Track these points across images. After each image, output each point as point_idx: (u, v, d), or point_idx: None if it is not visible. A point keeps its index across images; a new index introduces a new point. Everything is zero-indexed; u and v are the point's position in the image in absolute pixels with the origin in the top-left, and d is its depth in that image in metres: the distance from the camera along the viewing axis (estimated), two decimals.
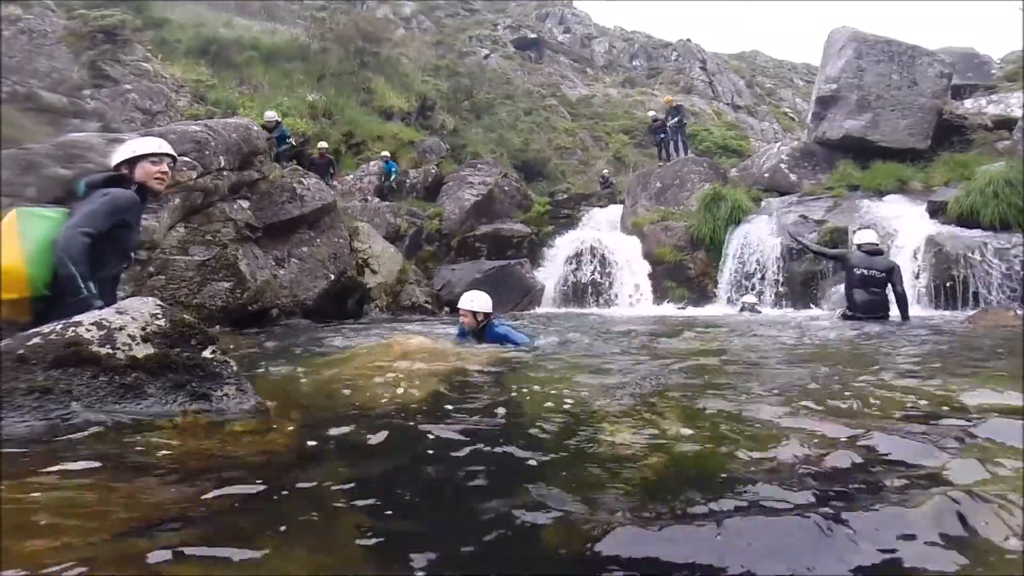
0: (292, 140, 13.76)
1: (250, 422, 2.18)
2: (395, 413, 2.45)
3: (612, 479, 1.63)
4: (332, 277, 8.91)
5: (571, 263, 12.77)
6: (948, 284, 8.99)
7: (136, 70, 15.12)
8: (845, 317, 6.81)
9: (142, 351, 2.19)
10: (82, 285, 2.56)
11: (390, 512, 1.44)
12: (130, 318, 2.25)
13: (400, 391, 2.93)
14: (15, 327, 2.50)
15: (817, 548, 1.21)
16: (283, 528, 1.30)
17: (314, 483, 1.68)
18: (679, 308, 11.28)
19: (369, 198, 15.52)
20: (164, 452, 1.80)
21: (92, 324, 2.17)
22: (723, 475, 1.62)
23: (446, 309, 11.79)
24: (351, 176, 16.79)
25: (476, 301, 5.04)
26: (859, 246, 6.97)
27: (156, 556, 1.14)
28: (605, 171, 22.01)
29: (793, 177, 13.55)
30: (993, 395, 2.46)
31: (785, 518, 1.32)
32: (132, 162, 2.98)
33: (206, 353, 2.38)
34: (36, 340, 2.10)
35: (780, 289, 10.69)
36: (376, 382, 3.16)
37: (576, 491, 1.54)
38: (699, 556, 1.20)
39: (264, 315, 7.68)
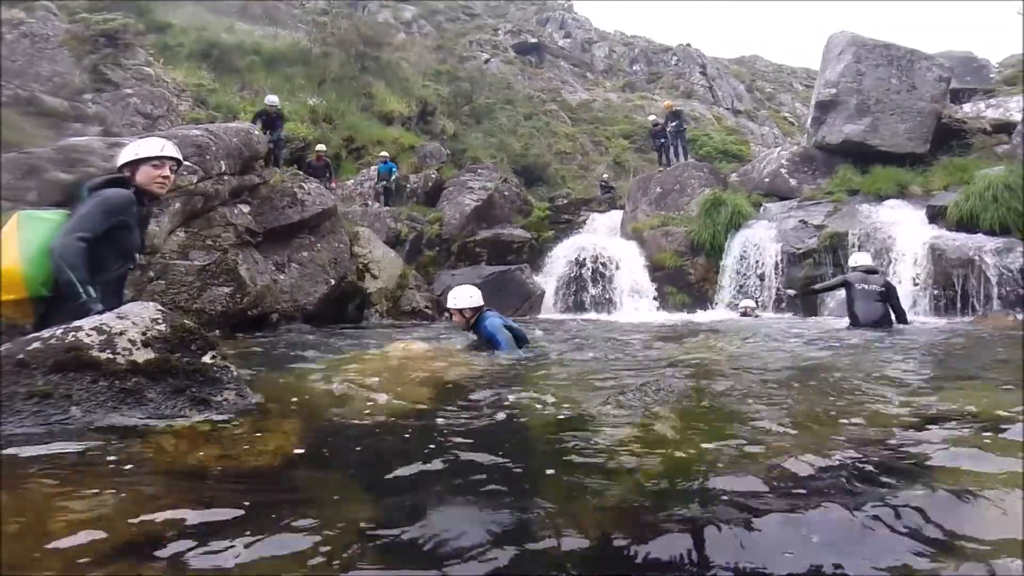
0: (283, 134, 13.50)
1: (250, 427, 2.18)
2: (394, 418, 2.45)
3: (608, 483, 1.63)
4: (332, 282, 8.91)
5: (571, 269, 12.76)
6: (947, 289, 8.98)
7: (138, 74, 15.16)
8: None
9: (142, 356, 2.19)
10: (81, 290, 2.56)
11: (389, 515, 1.44)
12: (130, 323, 2.26)
13: (399, 396, 2.93)
14: (17, 329, 2.50)
15: (812, 553, 1.21)
16: (282, 532, 1.30)
17: (313, 488, 1.68)
18: (679, 313, 11.26)
19: (370, 203, 15.52)
20: (164, 457, 1.80)
21: (92, 329, 2.17)
22: (719, 479, 1.62)
23: (446, 314, 11.77)
24: (351, 181, 16.80)
25: (457, 298, 4.91)
26: (855, 268, 7.19)
27: (155, 561, 1.15)
28: (605, 176, 22.02)
29: (793, 182, 13.56)
30: (988, 401, 2.46)
31: (779, 523, 1.32)
32: (134, 164, 2.98)
33: (206, 358, 2.39)
34: (36, 344, 2.10)
35: (781, 294, 10.69)
36: (375, 387, 3.16)
37: (572, 494, 1.54)
38: (692, 559, 1.20)
39: (264, 320, 7.68)
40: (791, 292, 9.23)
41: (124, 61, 15.15)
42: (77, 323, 2.21)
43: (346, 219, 11.19)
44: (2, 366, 2.02)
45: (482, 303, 4.94)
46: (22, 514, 1.33)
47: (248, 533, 1.29)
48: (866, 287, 6.83)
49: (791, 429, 2.12)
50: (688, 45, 42.22)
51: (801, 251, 10.71)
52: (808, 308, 10.09)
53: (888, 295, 6.85)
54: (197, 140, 7.46)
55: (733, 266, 11.37)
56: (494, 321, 4.82)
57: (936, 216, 10.33)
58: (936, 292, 9.10)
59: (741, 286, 11.04)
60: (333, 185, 14.05)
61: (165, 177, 3.04)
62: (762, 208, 12.63)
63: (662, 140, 16.59)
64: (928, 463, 1.71)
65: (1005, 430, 2.00)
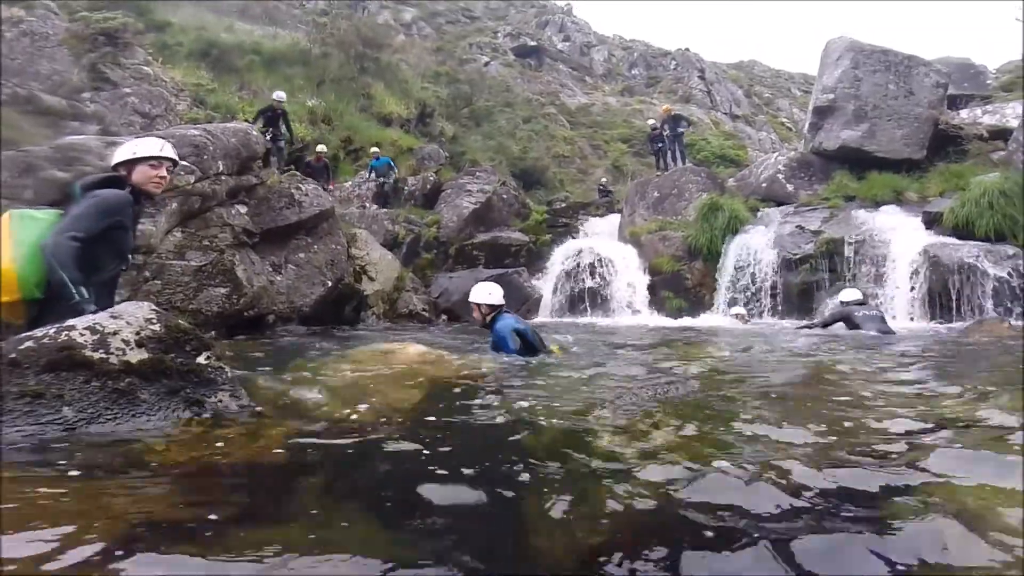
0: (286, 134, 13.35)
1: (244, 429, 2.17)
2: (391, 421, 2.45)
3: (603, 489, 1.62)
4: (329, 284, 8.89)
5: (569, 272, 12.77)
6: (943, 295, 9.01)
7: (136, 73, 15.13)
8: None
9: (136, 356, 2.18)
10: (74, 290, 2.55)
11: (385, 518, 1.44)
12: (124, 323, 2.25)
13: (394, 398, 2.93)
14: (11, 330, 2.49)
15: (808, 565, 1.21)
16: (277, 534, 1.30)
17: (308, 490, 1.67)
18: (676, 318, 11.28)
19: (367, 205, 15.49)
20: (156, 458, 1.79)
21: (86, 328, 2.16)
22: (714, 485, 1.62)
23: (443, 317, 11.78)
24: (349, 183, 16.78)
25: (477, 292, 4.93)
26: (848, 302, 7.77)
27: (146, 563, 1.14)
28: (603, 180, 22.07)
29: (790, 187, 13.59)
30: (985, 408, 2.46)
31: (774, 535, 1.32)
32: (130, 164, 2.97)
33: (201, 359, 2.38)
34: (29, 344, 2.09)
35: (777, 300, 10.71)
36: (371, 389, 3.15)
37: (566, 500, 1.54)
38: (685, 571, 1.20)
39: (260, 321, 7.66)
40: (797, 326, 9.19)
41: (123, 60, 15.12)
42: (70, 322, 2.20)
43: (343, 221, 11.18)
44: None
45: (501, 303, 4.92)
46: (11, 514, 1.33)
47: (241, 535, 1.29)
48: (868, 312, 7.47)
49: (785, 438, 2.11)
50: (687, 49, 42.38)
51: (798, 257, 10.73)
52: (804, 314, 10.11)
53: (883, 318, 7.49)
54: (195, 140, 7.45)
55: (730, 271, 11.38)
56: (506, 323, 4.77)
57: (932, 222, 10.37)
58: (931, 298, 9.13)
59: (744, 289, 11.04)
60: (331, 187, 14.02)
61: (161, 177, 3.03)
62: (759, 213, 12.66)
63: (660, 144, 16.63)
64: (922, 474, 1.71)
65: (1004, 439, 2.00)
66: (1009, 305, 8.51)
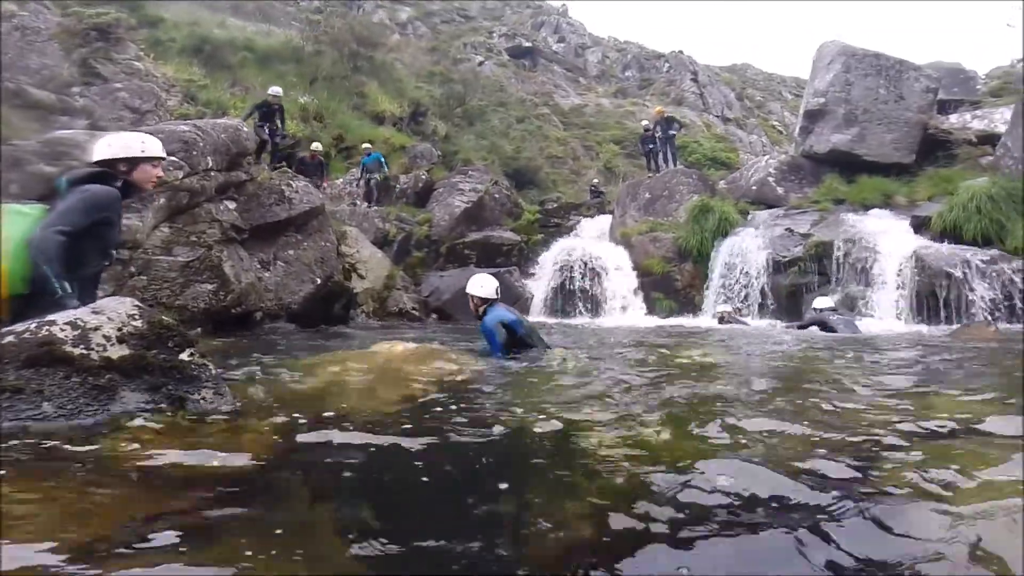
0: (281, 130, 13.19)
1: (226, 426, 2.17)
2: (375, 419, 2.44)
3: (591, 487, 1.63)
4: (318, 281, 8.86)
5: (560, 272, 12.78)
6: (930, 299, 9.09)
7: (127, 68, 15.02)
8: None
9: (117, 352, 2.16)
10: (57, 285, 2.53)
11: (367, 516, 1.44)
12: (106, 318, 2.23)
13: (381, 397, 2.93)
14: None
15: (790, 563, 1.22)
16: (258, 532, 1.29)
17: (291, 488, 1.67)
18: (665, 319, 11.32)
19: (358, 203, 15.44)
20: (136, 455, 1.78)
21: (67, 324, 2.15)
22: (702, 486, 1.63)
23: (433, 316, 11.76)
24: (341, 180, 16.72)
25: (471, 283, 4.93)
26: (822, 309, 8.35)
27: (126, 561, 1.13)
28: (596, 181, 22.09)
29: (780, 190, 13.66)
30: (970, 410, 2.48)
31: (760, 533, 1.33)
32: (134, 161, 2.95)
33: (184, 356, 2.36)
34: (9, 339, 2.08)
35: (766, 302, 10.77)
36: (358, 388, 3.15)
37: (554, 498, 1.54)
38: (669, 567, 1.20)
39: (248, 318, 7.62)
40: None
41: (114, 55, 15.00)
42: (51, 317, 2.18)
43: (334, 218, 11.14)
44: None
45: (492, 296, 4.87)
46: None
47: (223, 532, 1.28)
48: (842, 316, 8.18)
49: (769, 439, 2.13)
50: (680, 52, 42.52)
51: (787, 259, 10.79)
52: (792, 316, 10.16)
53: (854, 323, 8.12)
54: (184, 135, 7.40)
55: (719, 273, 11.43)
56: (494, 315, 4.72)
57: (920, 226, 10.45)
58: (919, 302, 9.20)
59: (727, 299, 11.09)
60: (324, 184, 13.95)
61: (159, 176, 3.04)
62: (749, 216, 12.72)
63: (651, 146, 16.66)
64: (894, 473, 1.73)
65: (986, 441, 2.02)
66: (995, 309, 8.59)
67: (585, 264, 12.67)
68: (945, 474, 1.65)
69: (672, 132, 16.30)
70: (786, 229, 11.44)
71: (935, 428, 2.20)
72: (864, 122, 13.07)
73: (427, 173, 17.38)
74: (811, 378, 3.73)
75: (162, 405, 2.18)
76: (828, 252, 10.41)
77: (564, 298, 12.54)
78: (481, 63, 34.19)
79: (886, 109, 13.07)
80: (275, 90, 13.00)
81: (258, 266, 8.23)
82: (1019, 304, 8.49)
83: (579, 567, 1.20)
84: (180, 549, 1.20)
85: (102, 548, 1.18)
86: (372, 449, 2.00)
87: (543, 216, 16.09)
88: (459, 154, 21.92)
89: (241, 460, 1.82)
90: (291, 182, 9.21)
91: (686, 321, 10.83)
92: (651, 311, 11.85)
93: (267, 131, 12.15)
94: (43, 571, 1.09)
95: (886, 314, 9.42)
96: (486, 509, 1.50)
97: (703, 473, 1.71)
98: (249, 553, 1.19)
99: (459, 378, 3.61)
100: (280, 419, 2.34)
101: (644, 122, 17.92)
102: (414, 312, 11.29)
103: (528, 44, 39.28)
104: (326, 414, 2.47)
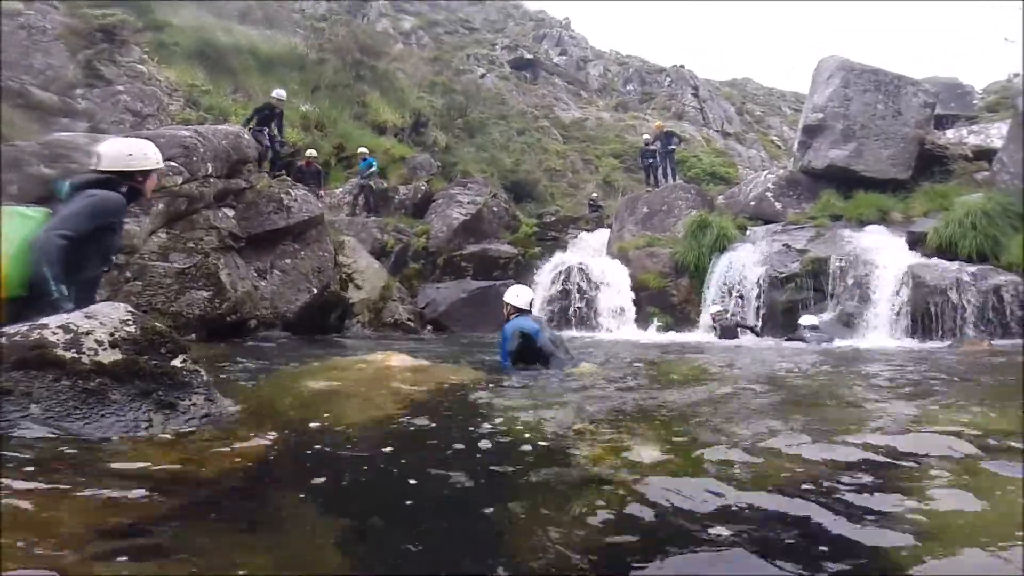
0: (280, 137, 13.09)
1: (217, 433, 2.16)
2: (368, 429, 2.44)
3: (582, 500, 1.63)
4: (315, 291, 8.85)
5: (556, 286, 12.79)
6: (925, 315, 9.10)
7: (130, 71, 15.07)
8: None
9: (109, 357, 2.16)
10: (53, 288, 2.54)
11: (358, 526, 1.43)
12: (98, 323, 2.23)
13: (375, 407, 2.92)
14: None
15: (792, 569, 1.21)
16: (248, 539, 1.29)
17: (281, 496, 1.66)
18: (661, 334, 11.31)
19: (358, 212, 15.47)
20: (126, 461, 1.77)
21: (59, 327, 2.15)
22: (694, 500, 1.62)
23: (429, 328, 11.75)
24: (340, 189, 16.75)
25: (508, 293, 5.15)
26: (806, 327, 8.98)
27: (116, 567, 1.12)
28: (594, 195, 22.15)
29: (779, 206, 13.71)
30: (965, 424, 2.48)
31: (752, 548, 1.33)
32: (148, 172, 3.04)
33: (176, 362, 2.36)
34: (0, 341, 2.07)
35: (761, 317, 10.78)
36: (351, 398, 3.14)
37: (549, 510, 1.54)
38: None
39: (243, 326, 7.61)
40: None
41: (118, 58, 15.07)
42: (43, 320, 2.18)
43: (332, 228, 11.15)
44: None
45: (524, 307, 5.06)
46: None
47: (212, 540, 1.28)
48: (817, 334, 8.74)
49: (758, 457, 2.12)
50: (682, 66, 42.81)
51: (784, 275, 10.80)
52: (788, 332, 10.17)
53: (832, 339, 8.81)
54: (185, 141, 7.42)
55: (716, 288, 11.45)
56: (514, 323, 4.91)
57: (916, 242, 10.46)
58: (914, 317, 9.21)
59: (724, 308, 11.11)
60: (321, 193, 13.96)
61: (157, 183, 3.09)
62: (747, 231, 12.75)
63: (651, 160, 16.74)
64: (907, 485, 1.73)
65: (982, 457, 2.02)
66: (989, 324, 8.60)
67: (581, 278, 12.68)
68: (953, 491, 1.65)
69: (672, 146, 16.39)
70: (783, 245, 11.46)
71: (950, 446, 2.19)
72: (862, 137, 13.14)
73: (426, 184, 17.42)
74: (807, 395, 3.73)
75: (152, 410, 2.18)
76: (824, 268, 10.43)
77: (560, 312, 12.53)
78: (483, 75, 34.40)
79: (884, 124, 13.13)
80: (279, 93, 12.86)
81: (255, 274, 8.23)
82: (1012, 319, 8.50)
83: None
84: (166, 555, 1.19)
85: (85, 553, 1.17)
86: (361, 459, 1.99)
87: (541, 229, 16.12)
88: (458, 165, 21.99)
89: (229, 467, 1.82)
90: (290, 190, 9.23)
91: (681, 337, 10.83)
92: (647, 326, 11.85)
93: (266, 137, 12.11)
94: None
95: (881, 329, 9.44)
96: (476, 521, 1.50)
97: (697, 487, 1.71)
98: (234, 561, 1.18)
99: (454, 391, 3.60)
100: (271, 427, 2.34)
101: (645, 136, 18.02)
102: (409, 323, 11.27)
103: (530, 56, 39.56)
104: (317, 423, 2.46)
